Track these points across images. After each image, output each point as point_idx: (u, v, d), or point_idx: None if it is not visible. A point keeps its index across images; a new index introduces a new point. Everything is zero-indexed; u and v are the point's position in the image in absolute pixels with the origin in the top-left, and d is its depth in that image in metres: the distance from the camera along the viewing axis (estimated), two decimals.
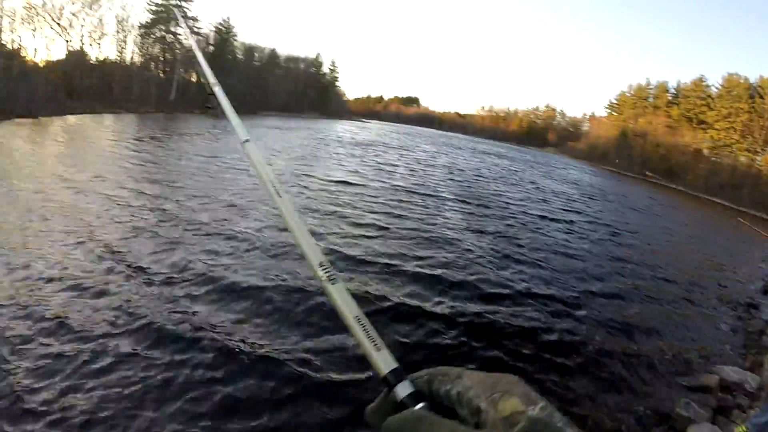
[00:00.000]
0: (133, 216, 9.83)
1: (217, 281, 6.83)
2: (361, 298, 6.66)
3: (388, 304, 6.82)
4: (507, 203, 18.63)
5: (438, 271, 8.57)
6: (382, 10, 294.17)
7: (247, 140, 1.06)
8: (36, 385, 4.27)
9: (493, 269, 9.31)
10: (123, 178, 13.55)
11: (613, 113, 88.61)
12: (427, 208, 14.80)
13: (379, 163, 26.09)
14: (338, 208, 12.84)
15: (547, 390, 5.33)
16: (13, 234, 8.04)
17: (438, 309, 6.89)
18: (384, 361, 0.49)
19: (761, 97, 59.55)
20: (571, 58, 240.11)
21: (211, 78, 1.49)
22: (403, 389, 0.47)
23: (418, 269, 8.53)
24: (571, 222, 16.92)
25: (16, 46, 37.34)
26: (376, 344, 0.51)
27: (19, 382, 4.27)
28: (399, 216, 12.93)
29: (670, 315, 8.90)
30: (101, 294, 6.14)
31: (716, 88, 67.80)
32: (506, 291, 8.21)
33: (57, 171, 13.95)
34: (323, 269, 0.60)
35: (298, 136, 34.88)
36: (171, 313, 5.79)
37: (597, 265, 11.45)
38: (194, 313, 5.86)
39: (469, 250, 10.46)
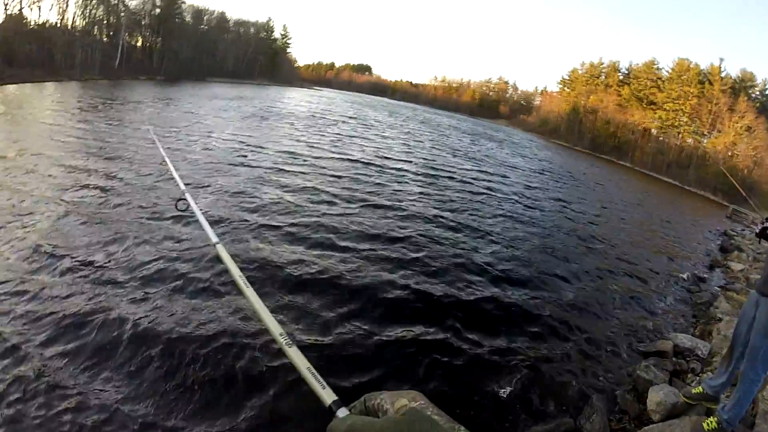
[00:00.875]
0: (70, 196, 9.30)
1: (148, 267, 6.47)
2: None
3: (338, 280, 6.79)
4: (465, 177, 18.61)
5: (391, 248, 8.46)
6: None
7: (217, 242, 1.22)
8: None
9: (449, 245, 9.24)
10: (61, 153, 12.85)
11: (565, 89, 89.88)
12: (386, 183, 14.58)
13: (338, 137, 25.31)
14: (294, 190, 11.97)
15: (516, 360, 5.52)
16: None
17: (400, 292, 6.77)
18: (328, 395, 0.71)
19: (710, 83, 62.48)
20: (526, 31, 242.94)
21: (182, 185, 1.89)
22: (341, 413, 0.70)
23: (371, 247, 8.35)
24: (526, 197, 17.07)
25: None
26: (321, 384, 0.73)
27: None
28: (356, 190, 12.79)
29: (624, 288, 9.15)
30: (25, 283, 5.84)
31: (667, 71, 70.38)
32: (462, 267, 8.13)
33: None
34: (282, 337, 0.82)
35: (239, 110, 32.48)
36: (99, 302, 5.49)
37: (552, 242, 11.47)
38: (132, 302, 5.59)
39: (424, 222, 10.56)
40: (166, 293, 5.85)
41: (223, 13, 77.57)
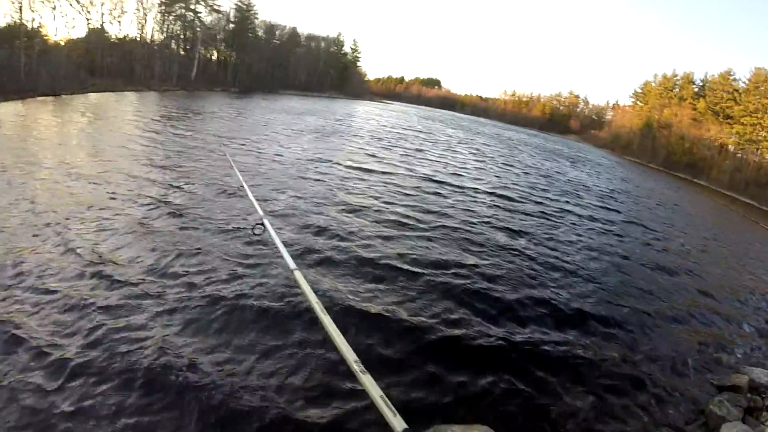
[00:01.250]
0: (144, 211, 9.28)
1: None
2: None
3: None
4: (539, 198, 17.62)
5: (466, 282, 7.88)
6: None
7: (294, 268, 1.23)
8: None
9: (525, 276, 8.78)
10: (137, 164, 13.20)
11: (638, 103, 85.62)
12: (456, 201, 14.05)
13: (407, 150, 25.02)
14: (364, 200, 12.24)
15: (583, 384, 5.53)
16: (21, 219, 8.06)
17: (471, 329, 6.40)
18: (398, 423, 0.66)
19: None
20: (597, 44, 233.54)
21: (260, 210, 1.96)
22: None
23: (447, 278, 7.91)
24: (606, 221, 16.14)
25: (36, 26, 37.23)
26: (392, 411, 0.69)
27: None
28: (428, 211, 12.24)
29: (700, 318, 8.78)
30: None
31: (744, 83, 64.44)
32: (538, 302, 7.70)
33: (73, 150, 14.09)
34: (357, 363, 0.82)
35: (309, 123, 31.49)
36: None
37: (629, 268, 11.01)
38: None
39: (499, 250, 9.97)
40: (244, 318, 5.83)
41: (294, 28, 79.24)
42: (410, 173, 17.57)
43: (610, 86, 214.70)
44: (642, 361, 6.41)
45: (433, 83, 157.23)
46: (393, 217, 11.04)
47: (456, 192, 15.47)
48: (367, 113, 54.13)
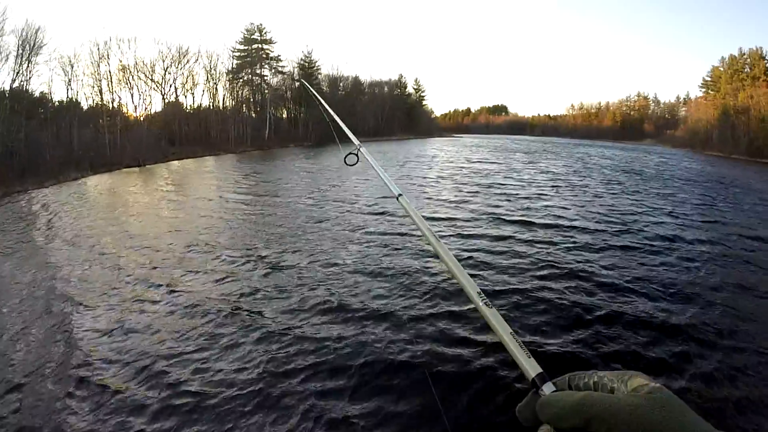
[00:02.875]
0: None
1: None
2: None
3: None
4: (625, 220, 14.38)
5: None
6: (460, 22, 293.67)
7: (400, 194, 1.22)
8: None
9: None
10: (219, 215, 14.34)
11: (710, 92, 77.96)
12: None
13: None
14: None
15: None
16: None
17: None
18: (532, 367, 0.61)
19: None
20: (656, 39, 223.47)
21: (355, 140, 1.94)
22: (548, 388, 0.58)
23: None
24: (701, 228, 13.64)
25: (116, 105, 39.56)
26: (526, 353, 0.63)
27: None
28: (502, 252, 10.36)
29: None
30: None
31: None
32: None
33: (158, 211, 15.41)
34: (480, 297, 0.73)
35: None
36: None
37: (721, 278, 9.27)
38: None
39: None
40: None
41: (357, 77, 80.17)
42: (491, 220, 13.72)
43: (679, 79, 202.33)
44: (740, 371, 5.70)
45: (500, 110, 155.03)
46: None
47: (558, 238, 11.97)
48: (436, 152, 48.64)
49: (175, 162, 35.45)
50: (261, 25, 62.10)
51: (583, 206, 16.27)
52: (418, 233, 0.83)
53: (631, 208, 16.04)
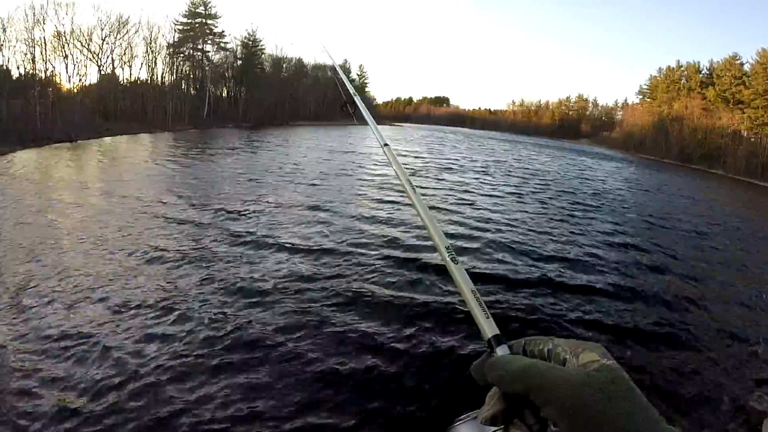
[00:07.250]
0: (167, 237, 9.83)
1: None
2: None
3: None
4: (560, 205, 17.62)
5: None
6: (405, 11, 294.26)
7: (386, 144, 1.24)
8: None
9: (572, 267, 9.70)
10: (150, 194, 13.85)
11: (647, 99, 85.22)
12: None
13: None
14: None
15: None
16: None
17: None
18: (489, 327, 0.60)
19: None
20: (599, 45, 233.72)
21: (351, 90, 1.85)
22: (502, 350, 0.59)
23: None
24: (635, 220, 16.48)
25: (49, 74, 38.11)
26: (485, 313, 0.62)
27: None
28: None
29: (733, 311, 8.77)
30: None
31: (751, 64, 63.65)
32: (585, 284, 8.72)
33: (88, 190, 14.69)
34: (448, 251, 0.72)
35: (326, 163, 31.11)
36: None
37: (663, 261, 11.36)
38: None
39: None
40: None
41: (300, 59, 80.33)
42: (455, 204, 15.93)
43: (617, 85, 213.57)
44: (684, 355, 6.48)
45: (442, 101, 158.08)
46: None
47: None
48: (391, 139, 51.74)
49: (108, 138, 34.97)
50: None
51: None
52: (399, 184, 0.93)
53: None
